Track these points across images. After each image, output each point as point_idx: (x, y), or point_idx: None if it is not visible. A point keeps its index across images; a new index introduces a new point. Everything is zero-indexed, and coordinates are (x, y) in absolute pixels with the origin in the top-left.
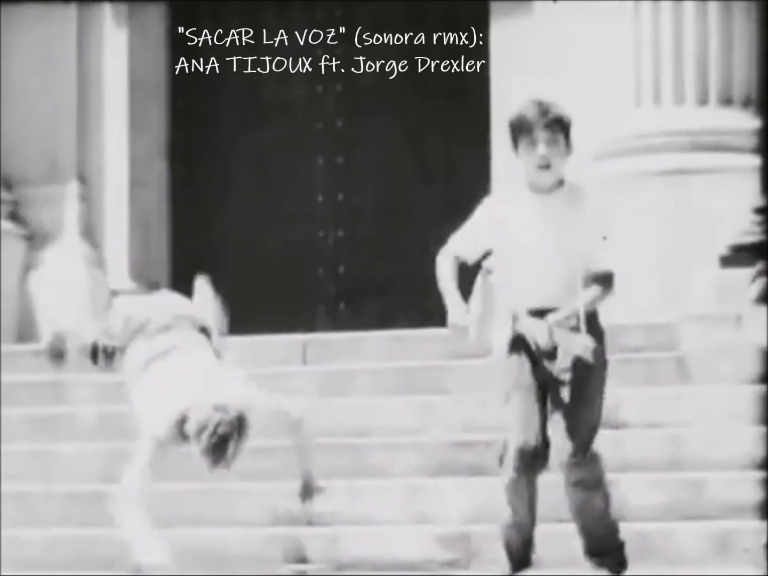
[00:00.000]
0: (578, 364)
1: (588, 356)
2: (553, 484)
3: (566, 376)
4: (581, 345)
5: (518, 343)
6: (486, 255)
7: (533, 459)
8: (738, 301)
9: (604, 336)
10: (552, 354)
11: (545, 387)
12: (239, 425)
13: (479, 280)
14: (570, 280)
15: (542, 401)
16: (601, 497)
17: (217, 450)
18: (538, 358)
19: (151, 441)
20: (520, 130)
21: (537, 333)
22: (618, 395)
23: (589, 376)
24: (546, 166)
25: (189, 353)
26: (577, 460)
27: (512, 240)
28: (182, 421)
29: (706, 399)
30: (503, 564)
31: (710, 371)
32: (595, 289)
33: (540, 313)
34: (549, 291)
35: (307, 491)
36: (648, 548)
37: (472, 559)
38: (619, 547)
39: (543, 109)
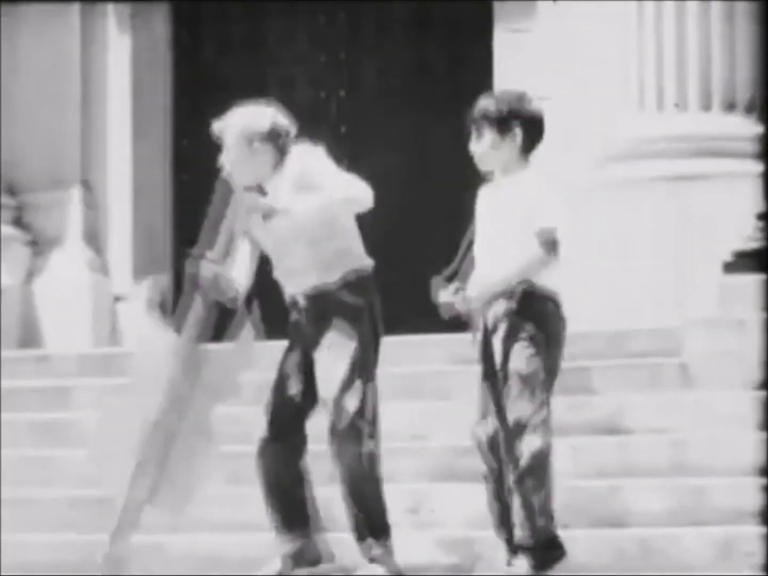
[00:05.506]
0: None
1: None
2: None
3: None
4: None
5: None
6: None
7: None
8: (741, 306)
9: (543, 314)
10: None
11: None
12: None
13: None
14: (514, 256)
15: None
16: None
17: None
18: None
19: None
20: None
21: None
22: (621, 401)
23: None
24: (474, 158)
25: None
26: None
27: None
28: None
29: (710, 404)
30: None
31: (713, 377)
32: (532, 253)
33: None
34: (493, 270)
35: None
36: (651, 553)
37: (475, 564)
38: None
39: (480, 103)
